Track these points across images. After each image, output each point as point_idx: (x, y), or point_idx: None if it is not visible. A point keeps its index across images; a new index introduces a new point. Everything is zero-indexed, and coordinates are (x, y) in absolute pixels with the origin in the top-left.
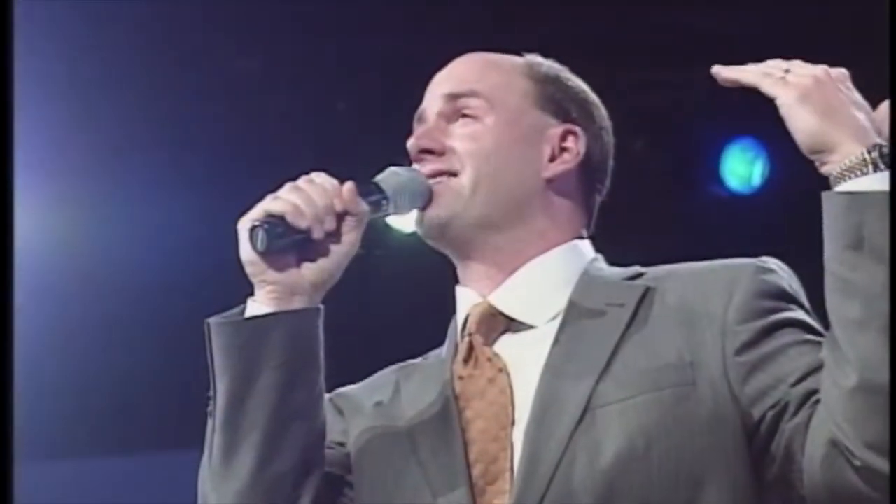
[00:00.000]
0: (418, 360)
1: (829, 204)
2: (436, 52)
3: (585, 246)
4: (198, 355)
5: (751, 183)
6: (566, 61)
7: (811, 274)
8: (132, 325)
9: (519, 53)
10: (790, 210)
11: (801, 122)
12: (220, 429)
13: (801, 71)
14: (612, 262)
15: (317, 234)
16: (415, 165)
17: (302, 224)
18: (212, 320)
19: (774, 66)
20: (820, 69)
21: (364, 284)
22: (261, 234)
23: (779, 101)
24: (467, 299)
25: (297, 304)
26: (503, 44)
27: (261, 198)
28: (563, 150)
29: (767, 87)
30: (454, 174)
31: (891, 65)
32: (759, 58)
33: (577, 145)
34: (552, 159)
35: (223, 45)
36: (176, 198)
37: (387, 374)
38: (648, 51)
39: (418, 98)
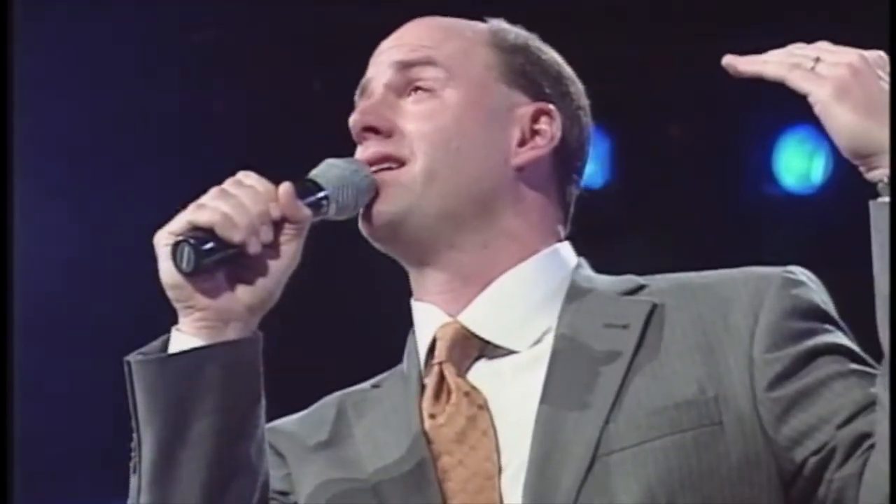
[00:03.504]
0: (365, 386)
1: (879, 214)
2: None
3: (567, 250)
4: None
5: (810, 180)
6: (582, 28)
7: None
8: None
9: (482, 19)
10: (856, 213)
11: (841, 122)
12: (149, 488)
13: (834, 58)
14: (629, 273)
15: (252, 247)
16: (358, 148)
17: (235, 237)
18: (131, 358)
19: (801, 53)
20: (855, 55)
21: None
22: (186, 251)
23: (812, 99)
24: (431, 318)
25: (232, 332)
26: (508, 8)
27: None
28: (535, 132)
29: (797, 82)
30: (403, 162)
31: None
32: (810, 20)
33: (551, 127)
34: (522, 144)
35: (176, 17)
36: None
37: (327, 406)
38: (683, 18)
39: None
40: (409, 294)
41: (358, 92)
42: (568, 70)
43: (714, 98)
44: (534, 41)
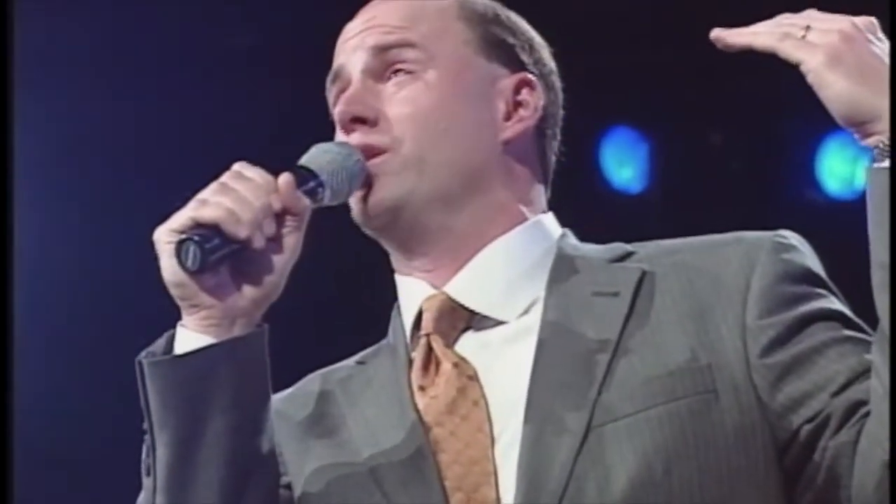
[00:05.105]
0: (349, 363)
1: (877, 180)
2: None
3: (551, 220)
4: None
5: (853, 186)
6: (623, 34)
7: None
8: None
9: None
10: None
11: (835, 89)
12: (165, 490)
13: (824, 26)
14: None
15: (257, 242)
16: (340, 136)
17: (240, 233)
18: (144, 359)
19: (790, 23)
20: (845, 22)
21: None
22: (192, 249)
23: (804, 68)
24: (417, 291)
25: (239, 328)
26: (543, 19)
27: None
28: (518, 104)
29: (788, 51)
30: (392, 149)
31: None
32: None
33: (533, 98)
34: (507, 117)
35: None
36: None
37: (311, 383)
38: (724, 24)
39: None
40: (391, 269)
41: (330, 79)
42: (536, 35)
43: (755, 103)
44: (502, 9)
